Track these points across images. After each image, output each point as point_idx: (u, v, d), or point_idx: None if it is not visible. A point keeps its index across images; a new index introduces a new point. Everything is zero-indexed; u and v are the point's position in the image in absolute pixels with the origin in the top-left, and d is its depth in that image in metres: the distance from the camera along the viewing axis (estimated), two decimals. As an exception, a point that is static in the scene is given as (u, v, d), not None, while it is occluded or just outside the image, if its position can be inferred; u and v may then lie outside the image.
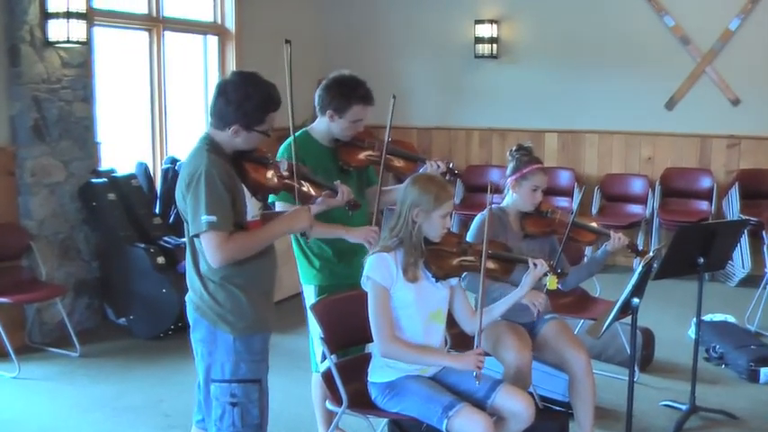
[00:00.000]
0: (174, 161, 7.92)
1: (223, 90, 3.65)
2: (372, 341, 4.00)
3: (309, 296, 4.57)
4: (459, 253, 4.03)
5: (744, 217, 8.33)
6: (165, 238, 7.36)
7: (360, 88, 4.42)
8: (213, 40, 9.21)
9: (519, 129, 10.10)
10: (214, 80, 9.13)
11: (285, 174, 3.85)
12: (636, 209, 9.53)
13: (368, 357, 4.17)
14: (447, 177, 4.55)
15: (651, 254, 4.34)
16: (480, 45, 10.11)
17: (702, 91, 9.40)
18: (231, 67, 9.17)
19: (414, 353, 3.92)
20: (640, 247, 5.04)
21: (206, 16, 9.13)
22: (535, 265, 4.07)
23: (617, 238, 4.78)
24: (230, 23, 9.23)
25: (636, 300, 4.26)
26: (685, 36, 9.36)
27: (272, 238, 3.76)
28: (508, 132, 10.22)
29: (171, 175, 7.78)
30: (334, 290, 4.45)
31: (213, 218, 3.48)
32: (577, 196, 9.45)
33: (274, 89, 3.70)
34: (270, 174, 3.80)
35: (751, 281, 8.38)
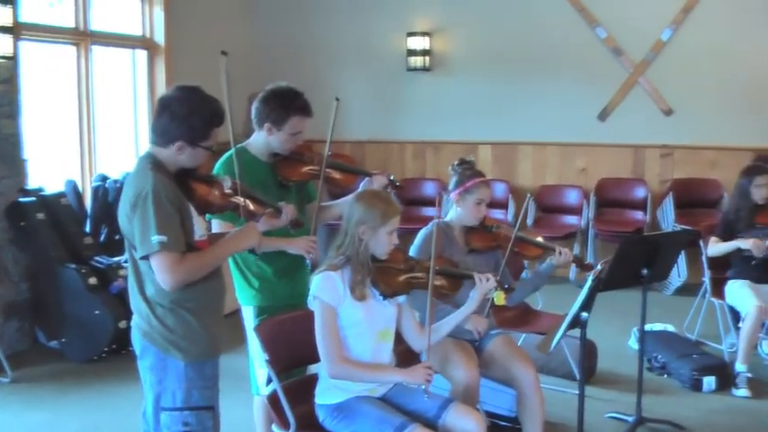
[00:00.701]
0: (104, 178, 7.73)
1: (166, 105, 3.50)
2: (318, 362, 3.90)
3: (249, 318, 4.45)
4: (407, 270, 3.96)
5: (679, 226, 8.42)
6: (97, 258, 7.14)
7: (298, 99, 4.33)
8: (142, 55, 9.02)
9: (453, 141, 10.09)
10: (143, 95, 8.93)
11: (229, 192, 3.73)
12: (571, 219, 9.57)
13: (314, 378, 4.06)
14: (388, 190, 4.49)
15: (599, 267, 4.31)
16: (413, 57, 10.11)
17: (635, 101, 9.49)
18: (161, 81, 8.97)
19: (362, 371, 3.84)
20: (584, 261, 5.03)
21: (135, 30, 8.94)
22: (480, 280, 4.02)
23: (563, 253, 4.75)
24: (160, 37, 9.04)
25: (585, 314, 4.24)
26: (617, 47, 9.43)
27: (223, 257, 3.68)
28: (442, 145, 10.20)
29: (101, 193, 7.60)
30: (273, 311, 4.32)
31: (164, 238, 3.33)
32: (512, 208, 9.47)
33: (219, 104, 3.58)
34: (216, 192, 3.69)
35: (687, 289, 8.47)
